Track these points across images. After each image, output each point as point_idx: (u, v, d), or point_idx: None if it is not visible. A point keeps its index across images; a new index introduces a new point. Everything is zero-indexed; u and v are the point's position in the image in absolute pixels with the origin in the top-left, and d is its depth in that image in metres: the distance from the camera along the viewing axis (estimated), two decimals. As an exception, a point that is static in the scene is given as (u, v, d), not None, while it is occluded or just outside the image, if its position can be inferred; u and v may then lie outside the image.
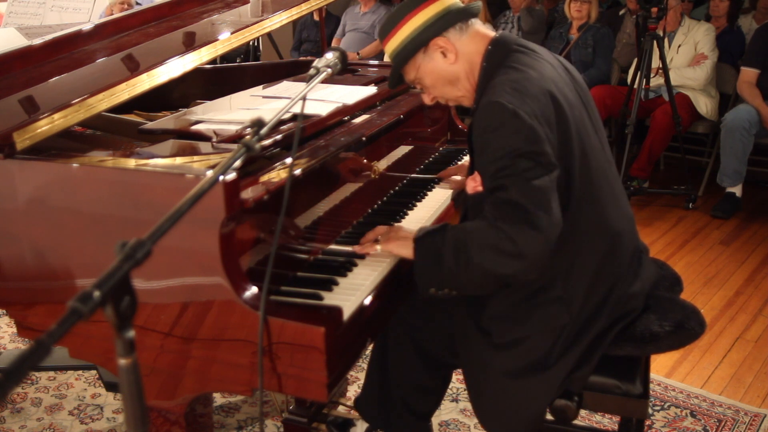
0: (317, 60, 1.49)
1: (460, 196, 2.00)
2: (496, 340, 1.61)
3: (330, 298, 1.42)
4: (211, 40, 1.87)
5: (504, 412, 1.63)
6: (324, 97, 1.91)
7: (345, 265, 1.56)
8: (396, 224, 1.76)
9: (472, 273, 1.44)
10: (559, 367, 1.58)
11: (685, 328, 1.67)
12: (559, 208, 1.45)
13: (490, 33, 1.63)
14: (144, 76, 1.67)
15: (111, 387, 2.55)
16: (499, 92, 1.47)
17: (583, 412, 2.35)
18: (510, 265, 1.41)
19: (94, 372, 2.72)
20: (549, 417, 1.67)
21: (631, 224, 1.70)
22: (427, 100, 1.70)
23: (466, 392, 2.55)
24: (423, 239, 1.52)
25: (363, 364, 2.68)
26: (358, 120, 1.94)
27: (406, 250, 1.55)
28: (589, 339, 1.59)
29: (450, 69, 1.61)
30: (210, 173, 1.04)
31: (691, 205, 4.59)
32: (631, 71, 4.61)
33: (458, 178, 2.11)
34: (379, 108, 2.08)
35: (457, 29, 1.59)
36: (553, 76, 1.55)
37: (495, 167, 1.45)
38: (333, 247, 1.67)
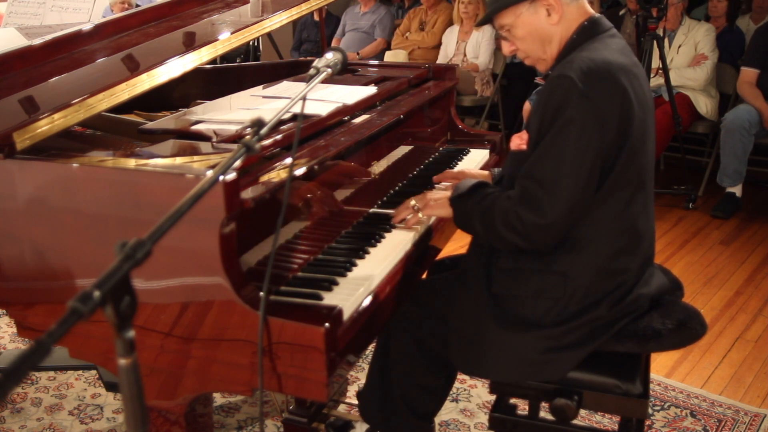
0: (317, 60, 1.48)
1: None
2: (494, 290, 1.65)
3: (330, 298, 1.41)
4: (211, 40, 1.87)
5: (478, 355, 1.65)
6: (324, 97, 1.91)
7: (345, 264, 1.56)
8: (426, 191, 1.85)
9: (497, 239, 1.62)
10: (544, 333, 1.59)
11: (687, 327, 1.68)
12: (584, 195, 1.53)
13: (591, 10, 1.66)
14: (144, 76, 1.67)
15: (111, 387, 2.55)
16: (575, 67, 1.52)
17: (583, 412, 2.35)
18: (520, 244, 1.58)
19: (94, 372, 2.72)
20: (549, 417, 1.67)
21: (652, 236, 1.72)
22: (506, 49, 1.72)
23: (466, 392, 2.56)
24: (456, 200, 1.70)
25: (363, 364, 2.68)
26: (358, 120, 1.94)
27: (446, 210, 1.73)
28: (584, 323, 1.59)
29: (549, 29, 1.63)
30: (210, 173, 1.04)
31: (691, 205, 4.59)
32: (631, 71, 4.61)
33: (450, 183, 2.08)
34: (379, 108, 2.08)
35: None
36: (630, 70, 1.57)
37: (544, 131, 1.52)
38: (375, 210, 1.89)
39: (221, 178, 1.16)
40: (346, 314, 1.36)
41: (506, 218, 1.56)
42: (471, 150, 2.44)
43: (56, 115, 1.50)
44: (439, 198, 1.76)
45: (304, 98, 1.33)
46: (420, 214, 1.77)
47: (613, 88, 1.52)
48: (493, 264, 1.68)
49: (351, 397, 2.46)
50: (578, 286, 1.59)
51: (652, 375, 2.56)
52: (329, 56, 1.49)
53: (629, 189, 1.59)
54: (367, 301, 1.46)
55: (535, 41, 1.65)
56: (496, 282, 1.66)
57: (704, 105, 4.71)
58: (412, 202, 1.79)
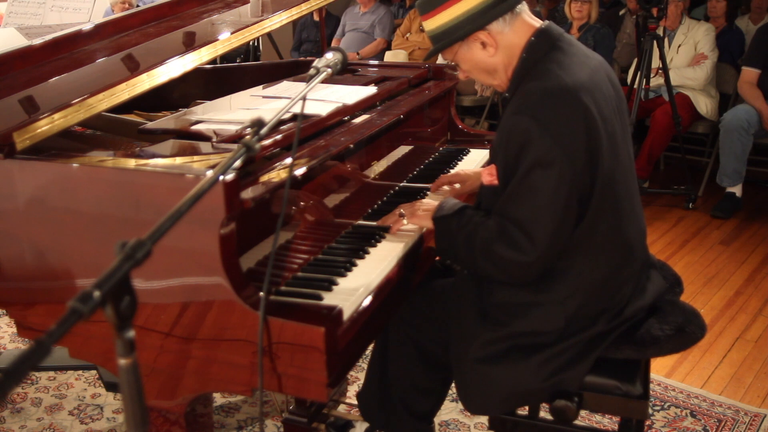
0: (317, 60, 1.48)
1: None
2: (489, 327, 1.62)
3: (330, 298, 1.42)
4: (211, 40, 1.87)
5: (481, 392, 1.63)
6: (324, 97, 1.91)
7: (345, 264, 1.56)
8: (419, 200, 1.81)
9: (477, 268, 1.61)
10: (543, 355, 1.58)
11: (685, 331, 1.67)
12: (563, 229, 1.50)
13: (536, 23, 1.59)
14: (144, 76, 1.67)
15: (111, 387, 2.55)
16: (531, 103, 1.47)
17: (583, 413, 2.35)
18: (498, 277, 1.59)
19: (94, 372, 2.72)
20: (549, 417, 1.67)
21: (644, 237, 1.70)
22: (461, 76, 1.73)
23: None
24: (440, 220, 1.66)
25: (363, 364, 2.68)
26: (358, 120, 1.94)
27: (430, 222, 1.69)
28: (583, 339, 1.59)
29: (489, 61, 1.60)
30: (210, 173, 1.04)
31: (691, 205, 4.60)
32: (631, 71, 4.61)
33: (447, 188, 2.05)
34: (379, 108, 2.08)
35: (501, 21, 1.55)
36: (589, 84, 1.50)
37: (510, 172, 1.49)
38: (361, 222, 1.80)
39: (221, 178, 1.16)
40: (346, 314, 1.36)
41: (485, 251, 1.54)
42: (471, 150, 2.44)
43: (56, 115, 1.50)
44: (427, 209, 1.71)
45: (304, 98, 1.33)
46: (404, 221, 1.73)
47: (573, 114, 1.46)
48: (486, 298, 1.64)
49: (351, 397, 2.46)
50: (577, 310, 1.58)
51: (652, 375, 2.56)
52: (329, 56, 1.49)
53: (614, 208, 1.56)
54: (367, 302, 1.46)
55: (480, 73, 1.64)
56: (490, 320, 1.63)
57: (704, 105, 4.71)
58: (400, 210, 1.76)
